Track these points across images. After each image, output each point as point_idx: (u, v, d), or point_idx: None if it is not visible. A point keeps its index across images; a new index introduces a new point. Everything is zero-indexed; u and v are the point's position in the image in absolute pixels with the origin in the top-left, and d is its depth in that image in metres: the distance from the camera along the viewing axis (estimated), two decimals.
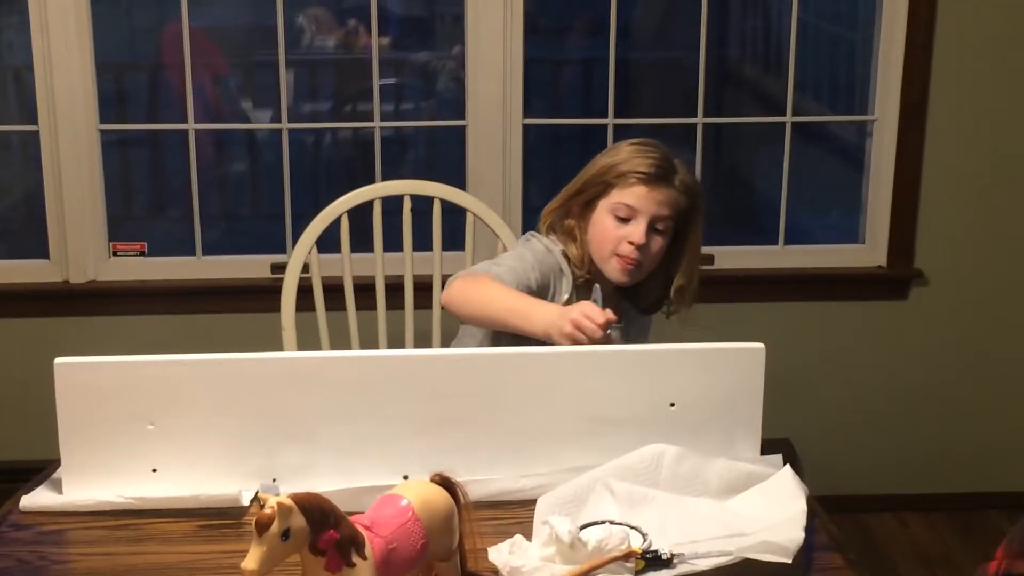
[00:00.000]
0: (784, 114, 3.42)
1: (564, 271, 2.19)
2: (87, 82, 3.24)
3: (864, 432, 3.57)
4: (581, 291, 2.19)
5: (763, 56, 4.27)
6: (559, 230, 2.23)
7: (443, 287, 2.11)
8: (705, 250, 3.41)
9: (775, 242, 3.49)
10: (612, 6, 3.30)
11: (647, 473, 1.71)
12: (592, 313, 1.90)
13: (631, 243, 2.14)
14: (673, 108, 3.66)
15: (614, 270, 2.17)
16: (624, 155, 2.17)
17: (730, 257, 3.47)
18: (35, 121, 3.25)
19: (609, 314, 1.91)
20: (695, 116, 3.40)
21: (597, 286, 2.09)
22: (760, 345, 1.78)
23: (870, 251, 3.49)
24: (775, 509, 1.67)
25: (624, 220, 2.15)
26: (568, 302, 2.15)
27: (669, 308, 2.27)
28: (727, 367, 1.78)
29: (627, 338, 2.22)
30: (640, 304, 2.29)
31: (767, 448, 1.83)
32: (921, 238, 3.45)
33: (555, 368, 1.76)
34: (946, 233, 3.45)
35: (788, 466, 1.77)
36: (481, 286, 2.04)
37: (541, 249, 2.20)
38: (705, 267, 3.41)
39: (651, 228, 2.15)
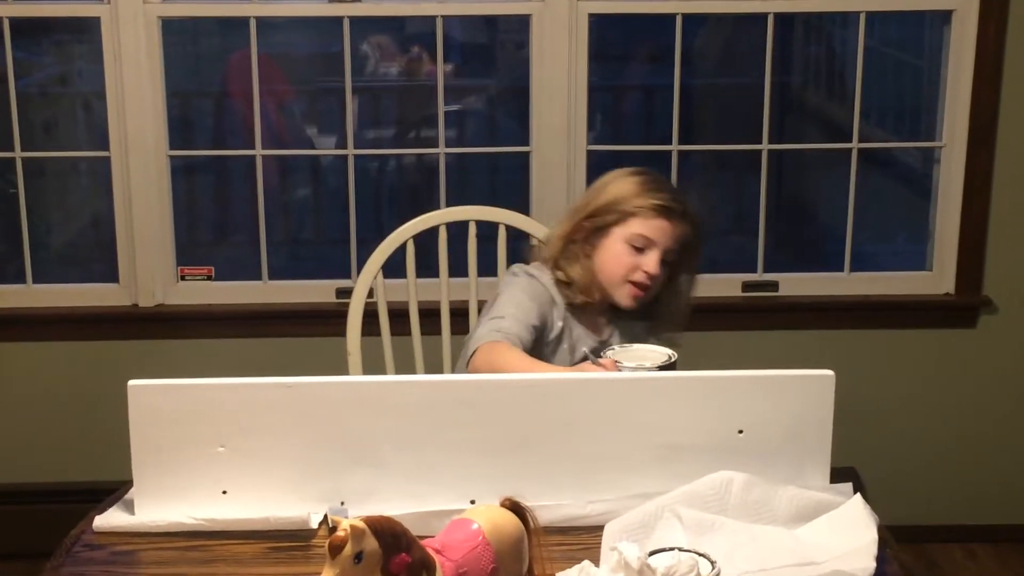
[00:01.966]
0: (849, 140, 3.40)
1: (555, 299, 2.27)
2: (158, 109, 3.29)
3: (931, 461, 3.52)
4: (573, 315, 2.27)
5: (827, 82, 4.26)
6: (563, 254, 2.29)
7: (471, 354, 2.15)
8: (769, 276, 3.44)
9: (840, 269, 3.47)
10: (677, 33, 3.30)
11: (716, 500, 1.70)
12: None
13: (645, 272, 2.22)
14: (736, 134, 3.65)
15: (624, 296, 2.25)
16: (635, 187, 2.24)
17: (795, 284, 3.45)
18: (105, 147, 3.31)
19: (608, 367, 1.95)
20: (759, 142, 3.39)
21: (583, 346, 2.19)
22: (830, 373, 1.76)
23: (937, 278, 3.46)
24: (846, 538, 1.65)
25: (638, 249, 2.22)
26: (562, 330, 2.25)
27: (657, 332, 2.32)
28: (796, 395, 1.76)
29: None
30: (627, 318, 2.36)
31: (834, 477, 1.81)
32: (990, 265, 3.41)
33: (623, 394, 1.76)
34: (1016, 260, 3.40)
35: (859, 494, 1.76)
36: (495, 358, 2.08)
37: (526, 283, 2.27)
38: (769, 293, 3.43)
39: (661, 258, 2.23)
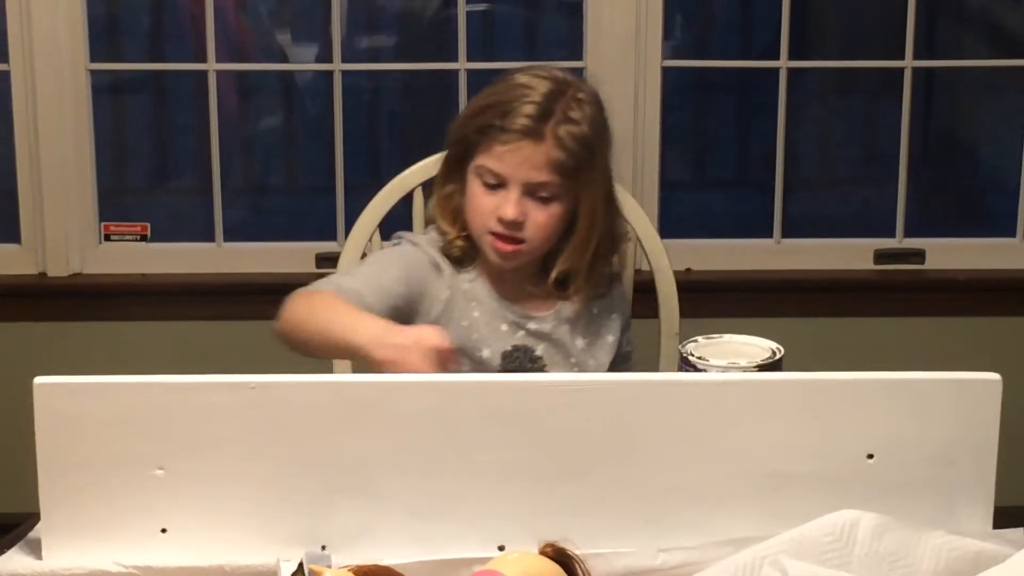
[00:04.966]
0: None
1: (442, 268, 2.29)
2: (75, 9, 3.30)
3: None
4: (485, 284, 2.30)
5: None
6: (439, 204, 2.33)
7: None
8: (911, 243, 3.42)
9: (1012, 234, 3.46)
10: None
11: (835, 549, 1.70)
12: (426, 336, 1.95)
13: (501, 219, 2.21)
14: (870, 46, 3.63)
15: (490, 251, 2.27)
16: (492, 97, 2.25)
17: (946, 253, 3.44)
18: (5, 59, 3.32)
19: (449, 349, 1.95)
20: (902, 58, 3.37)
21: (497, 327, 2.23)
22: (995, 376, 1.76)
23: None
24: None
25: (494, 187, 2.23)
26: (448, 304, 2.27)
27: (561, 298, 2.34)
28: (947, 406, 1.76)
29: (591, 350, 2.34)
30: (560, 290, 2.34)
31: (999, 519, 1.81)
32: None
33: (710, 404, 1.75)
34: None
35: None
36: (313, 303, 2.12)
37: (403, 252, 2.30)
38: (913, 267, 3.41)
39: (529, 195, 2.22)
